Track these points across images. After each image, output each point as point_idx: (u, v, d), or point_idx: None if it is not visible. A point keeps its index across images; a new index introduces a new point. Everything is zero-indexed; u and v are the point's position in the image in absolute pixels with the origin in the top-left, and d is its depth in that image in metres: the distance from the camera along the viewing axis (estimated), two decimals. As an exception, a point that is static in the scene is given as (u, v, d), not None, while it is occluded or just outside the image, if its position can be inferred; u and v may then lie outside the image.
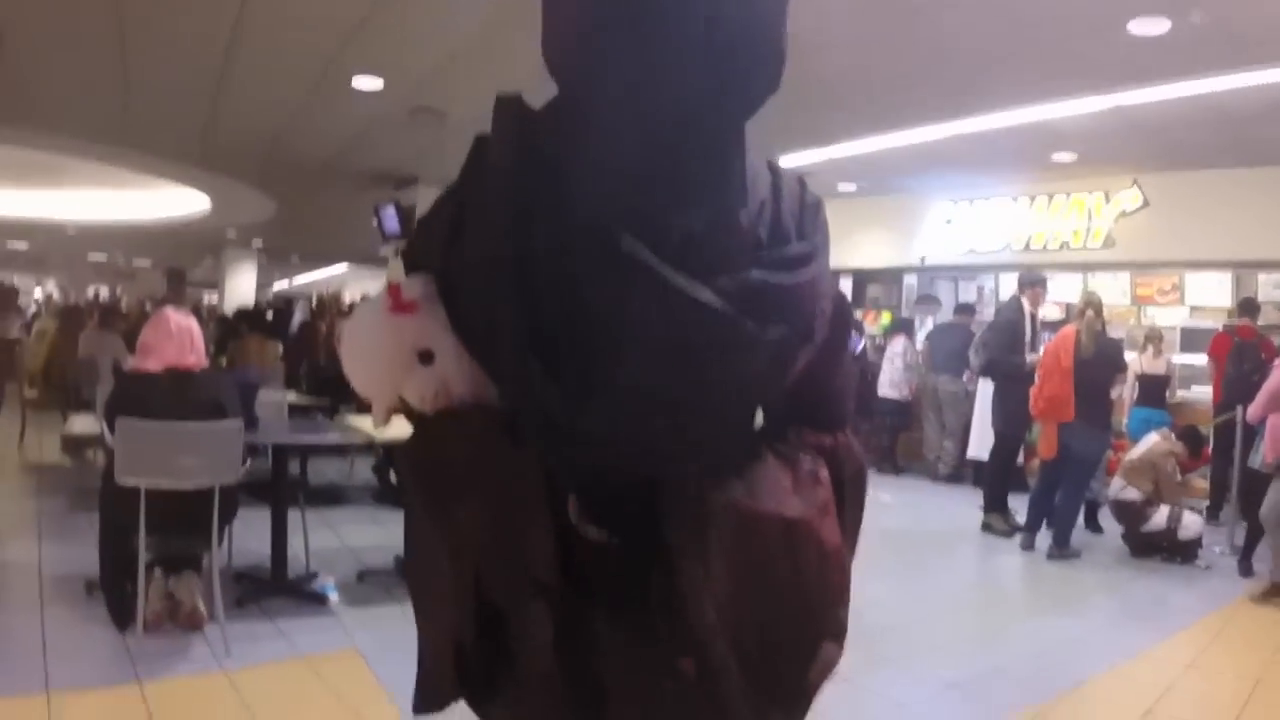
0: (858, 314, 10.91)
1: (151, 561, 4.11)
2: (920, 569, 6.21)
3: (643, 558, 1.18)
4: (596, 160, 1.09)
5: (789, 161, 9.32)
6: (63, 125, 9.50)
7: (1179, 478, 6.68)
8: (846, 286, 13.14)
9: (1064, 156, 8.71)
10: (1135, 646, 4.70)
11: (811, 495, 1.26)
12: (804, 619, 1.27)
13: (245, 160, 10.97)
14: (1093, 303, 6.66)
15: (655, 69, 1.05)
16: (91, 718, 3.32)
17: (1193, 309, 9.53)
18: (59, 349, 9.04)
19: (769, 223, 1.15)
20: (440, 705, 1.34)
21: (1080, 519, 7.01)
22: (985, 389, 7.97)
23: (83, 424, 6.82)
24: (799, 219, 1.19)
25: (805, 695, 1.29)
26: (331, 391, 7.23)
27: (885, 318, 11.77)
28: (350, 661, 3.86)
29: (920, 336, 10.65)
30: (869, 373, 9.97)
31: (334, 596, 4.73)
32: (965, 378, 9.13)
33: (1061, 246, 9.83)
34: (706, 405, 1.13)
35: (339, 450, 6.10)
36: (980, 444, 8.39)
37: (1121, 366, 6.97)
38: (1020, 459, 7.90)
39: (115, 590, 4.11)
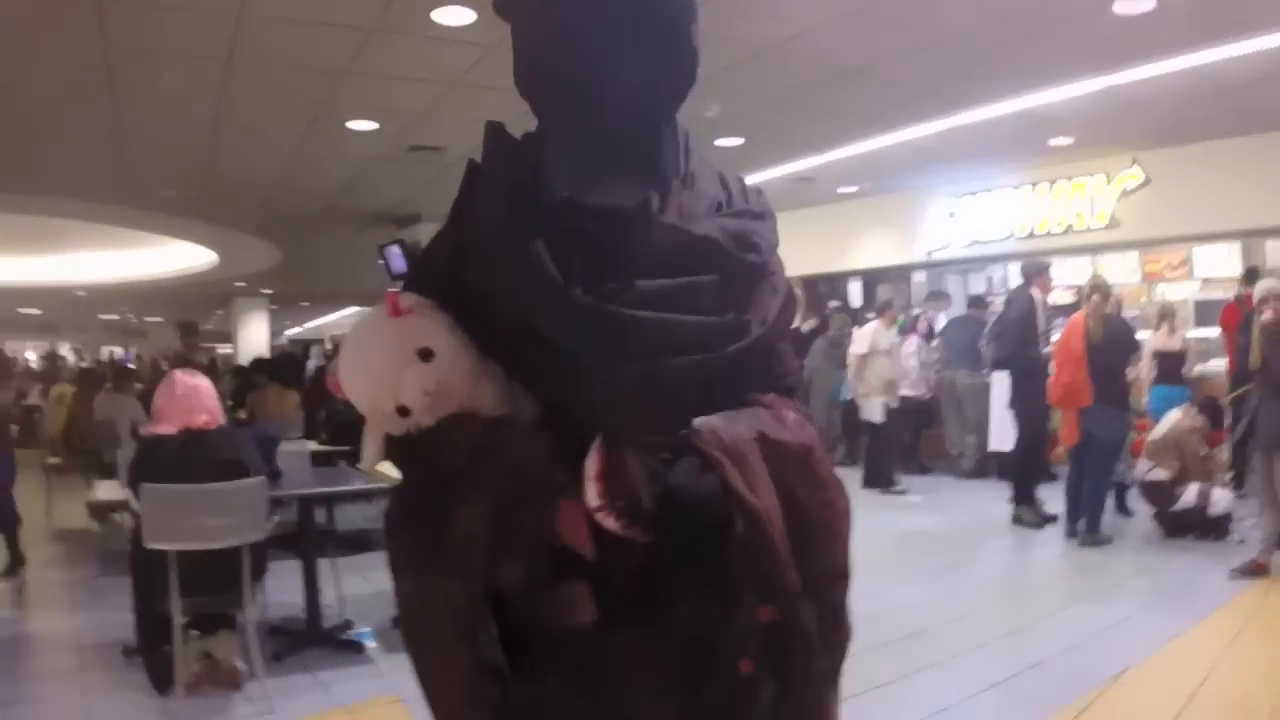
0: (868, 316, 10.85)
1: (186, 623, 4.14)
2: (952, 568, 6.18)
3: (668, 545, 1.21)
4: (575, 144, 1.31)
5: (790, 168, 9.37)
6: (61, 187, 9.59)
7: (1204, 451, 6.64)
8: (856, 288, 13.17)
9: (1061, 141, 8.70)
10: (1174, 629, 4.67)
11: (808, 429, 1.33)
12: (830, 547, 1.31)
13: (246, 210, 11.05)
14: (1098, 287, 6.65)
15: (606, 70, 1.29)
16: (139, 785, 3.33)
17: (1203, 282, 9.50)
18: (77, 413, 9.05)
19: (725, 198, 1.38)
20: None
21: (1110, 503, 6.97)
22: (1000, 381, 7.94)
23: (107, 490, 6.83)
24: (746, 196, 1.42)
25: (848, 634, 1.34)
26: (352, 437, 7.22)
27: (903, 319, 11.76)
28: (390, 709, 3.87)
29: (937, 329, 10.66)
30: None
31: (370, 644, 4.74)
32: (984, 371, 9.10)
33: (1067, 230, 9.79)
34: (700, 335, 1.26)
35: (364, 495, 6.11)
36: (1000, 437, 8.36)
37: (1134, 347, 6.94)
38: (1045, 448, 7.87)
39: (152, 654, 4.11)
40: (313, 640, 4.70)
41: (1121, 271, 10.02)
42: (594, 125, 1.32)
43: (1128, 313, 8.08)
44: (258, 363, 11.84)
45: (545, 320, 1.22)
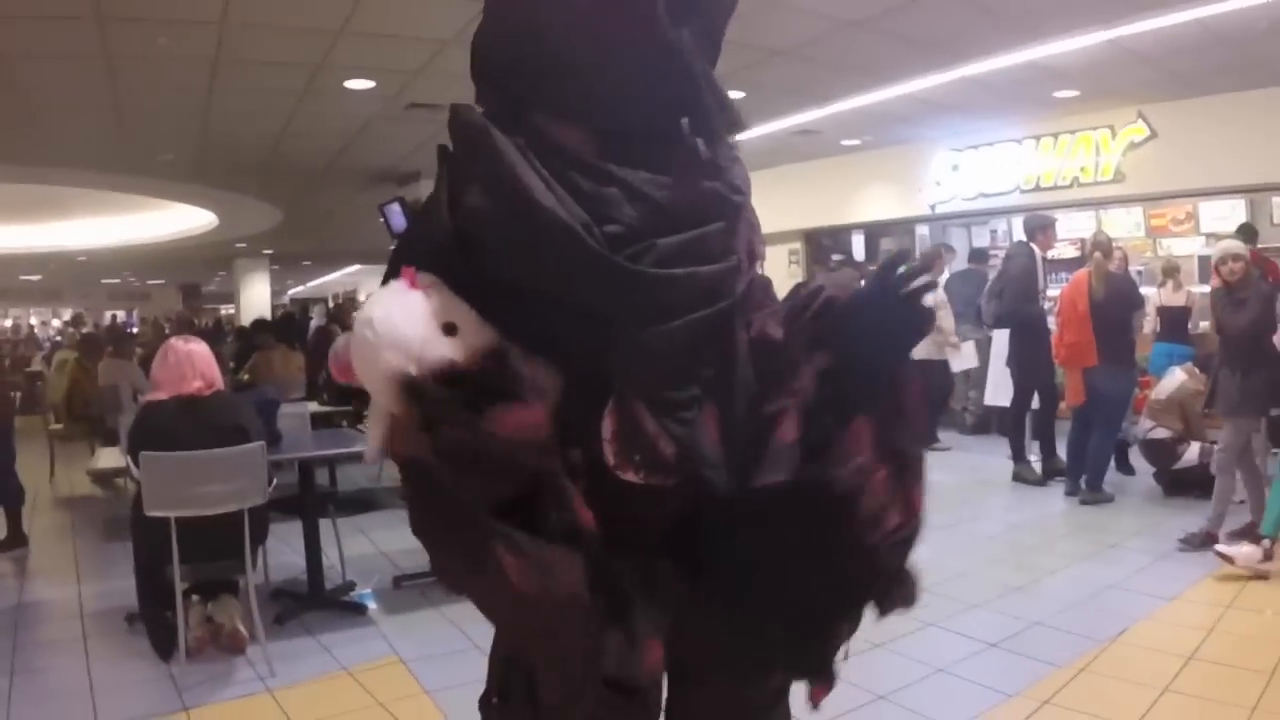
0: (871, 268, 10.75)
1: (189, 588, 4.16)
2: (954, 524, 6.17)
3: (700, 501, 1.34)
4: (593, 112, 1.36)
5: (792, 121, 9.27)
6: (61, 155, 9.53)
7: (1206, 411, 6.60)
8: (859, 241, 13.09)
9: (1066, 93, 8.58)
10: (1174, 589, 4.68)
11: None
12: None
13: (246, 172, 10.99)
14: (1100, 244, 6.59)
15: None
16: (143, 751, 3.36)
17: (1208, 237, 9.41)
18: (79, 380, 9.05)
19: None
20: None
21: (1111, 461, 6.96)
22: (999, 335, 7.90)
23: (109, 457, 6.86)
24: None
25: None
26: (353, 398, 7.22)
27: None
28: (393, 670, 3.89)
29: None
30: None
31: (372, 605, 4.77)
32: (985, 327, 9.05)
33: (1072, 183, 9.67)
34: (717, 282, 1.35)
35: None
36: (995, 391, 8.34)
37: (1139, 302, 6.90)
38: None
39: (156, 620, 4.13)
40: (315, 603, 4.72)
41: (1126, 226, 9.93)
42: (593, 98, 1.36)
43: (1133, 267, 8.02)
44: (259, 323, 11.82)
45: (585, 289, 1.27)
